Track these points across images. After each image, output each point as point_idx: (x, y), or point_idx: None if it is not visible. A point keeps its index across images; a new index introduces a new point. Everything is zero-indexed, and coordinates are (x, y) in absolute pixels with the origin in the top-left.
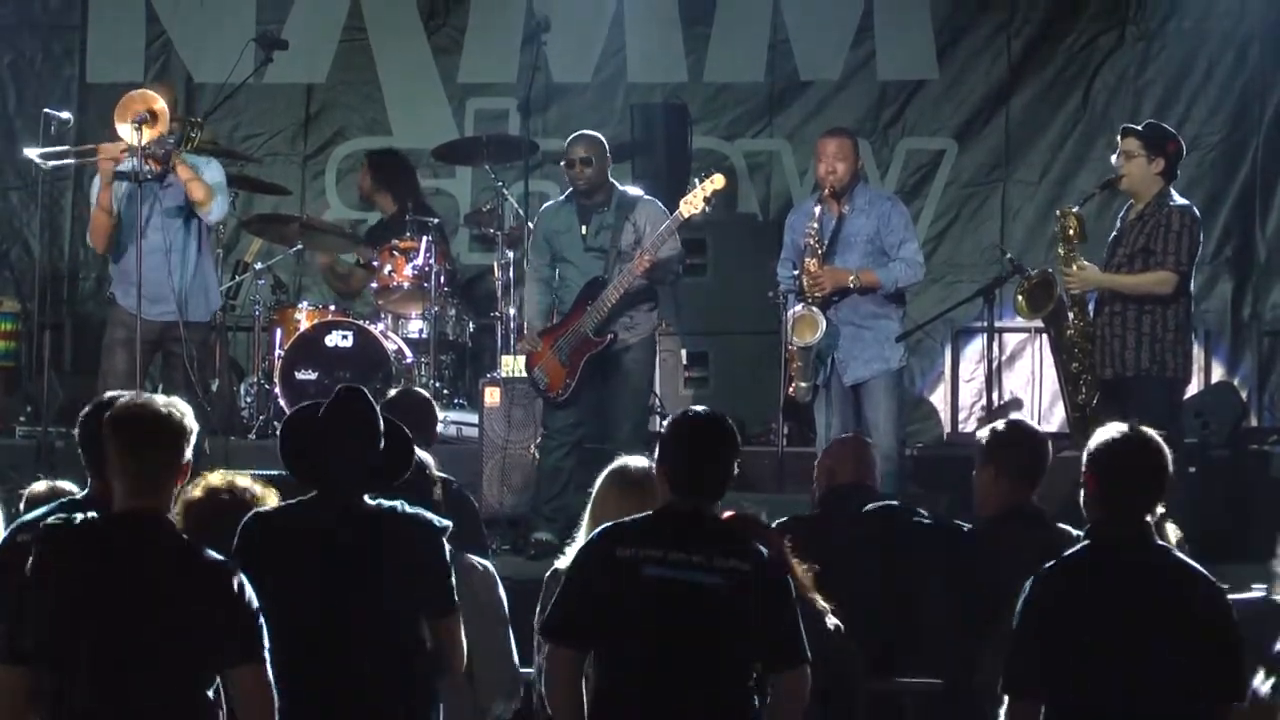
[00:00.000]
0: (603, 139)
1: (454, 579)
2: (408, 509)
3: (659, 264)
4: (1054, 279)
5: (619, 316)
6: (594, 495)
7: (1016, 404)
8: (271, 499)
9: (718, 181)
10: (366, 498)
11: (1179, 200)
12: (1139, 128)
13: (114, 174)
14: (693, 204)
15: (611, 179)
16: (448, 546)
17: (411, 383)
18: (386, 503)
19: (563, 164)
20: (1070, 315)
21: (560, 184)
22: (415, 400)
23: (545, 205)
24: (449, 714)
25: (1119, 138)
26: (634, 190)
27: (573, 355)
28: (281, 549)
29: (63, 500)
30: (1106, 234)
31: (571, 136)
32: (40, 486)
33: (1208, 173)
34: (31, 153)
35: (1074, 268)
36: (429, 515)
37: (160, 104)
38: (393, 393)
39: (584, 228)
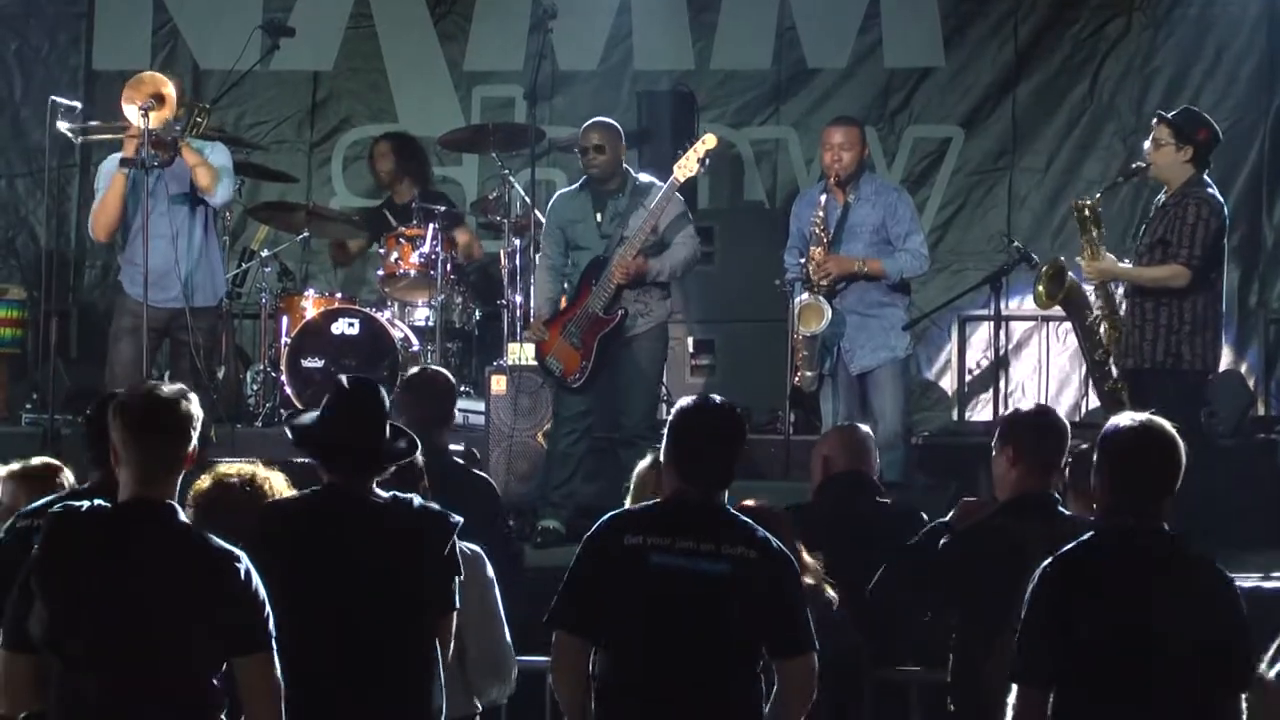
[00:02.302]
0: (617, 125)
1: (457, 577)
2: (420, 503)
3: (662, 244)
4: (1065, 266)
5: (628, 295)
6: (636, 483)
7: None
8: (284, 488)
9: (709, 141)
10: (379, 489)
11: (1205, 190)
12: (1170, 115)
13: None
14: (686, 167)
15: (626, 165)
16: (455, 541)
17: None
18: (401, 495)
19: (576, 150)
20: (1094, 301)
21: (567, 171)
22: (435, 379)
23: (559, 193)
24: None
25: (1153, 122)
26: (648, 177)
27: (585, 337)
28: (295, 539)
29: (70, 489)
30: (1122, 220)
31: (586, 124)
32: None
33: (1215, 159)
34: (63, 125)
35: (1092, 258)
36: (442, 511)
37: (169, 88)
38: (413, 370)
39: (599, 215)
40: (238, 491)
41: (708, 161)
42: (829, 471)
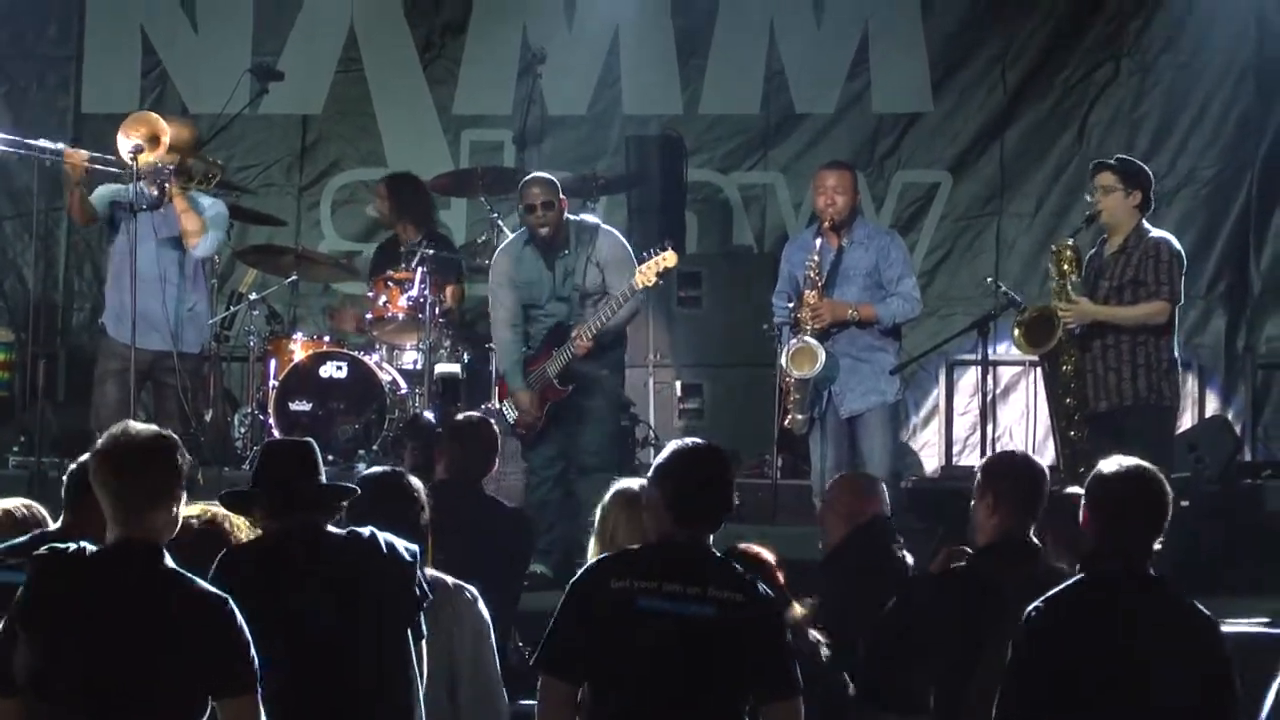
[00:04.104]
0: (554, 179)
1: (423, 606)
2: (375, 535)
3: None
4: (1056, 316)
5: (584, 363)
6: (599, 518)
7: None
8: (244, 527)
9: (669, 260)
10: (331, 528)
11: (1159, 232)
12: (1113, 161)
13: (87, 182)
14: (646, 277)
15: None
16: (418, 571)
17: (405, 413)
18: (358, 530)
19: (520, 209)
20: (1069, 351)
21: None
22: (480, 425)
23: (502, 250)
24: None
25: (1091, 174)
26: (589, 219)
27: (541, 395)
28: (255, 581)
29: (38, 533)
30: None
31: (524, 181)
32: None
33: (1202, 206)
34: None
35: (1067, 301)
36: (395, 540)
37: (167, 134)
38: (459, 418)
39: (552, 275)
40: (197, 532)
41: (664, 278)
42: (856, 522)
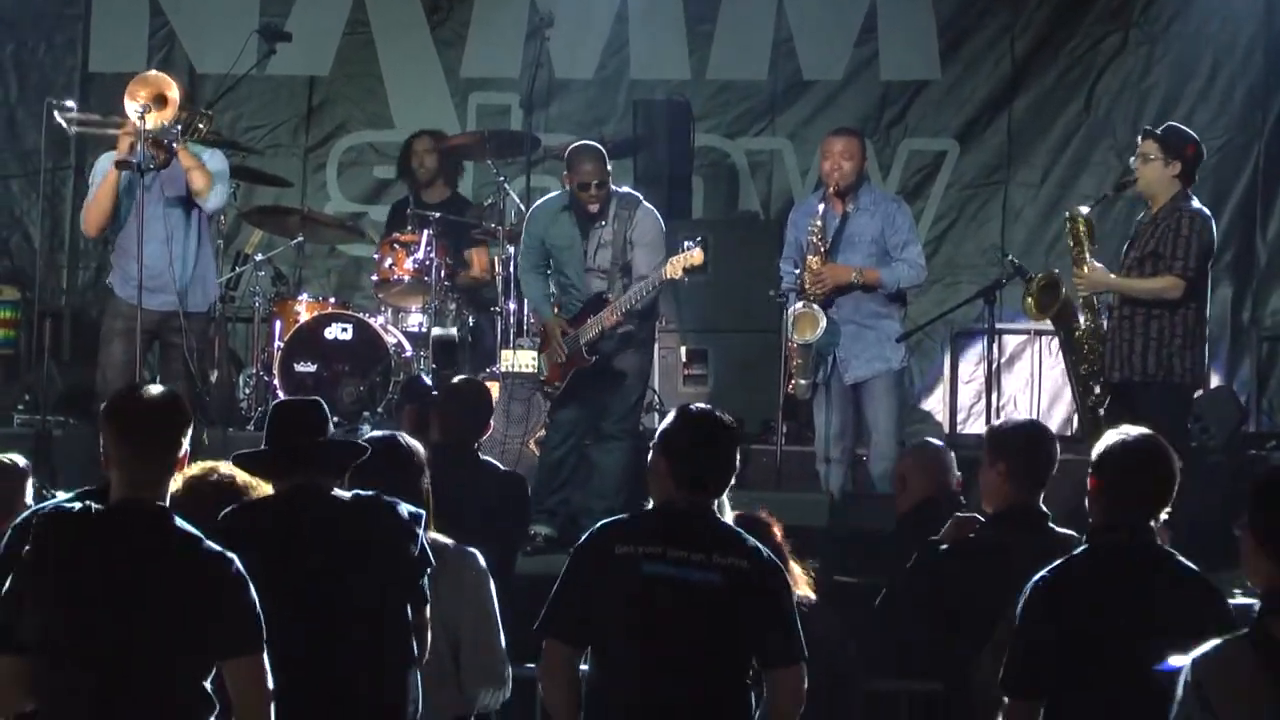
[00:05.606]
0: (603, 149)
1: (426, 570)
2: (379, 498)
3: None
4: (1060, 279)
5: (613, 335)
6: None
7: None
8: (255, 486)
9: (696, 258)
10: (338, 489)
11: (1194, 205)
12: (1158, 130)
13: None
14: (674, 269)
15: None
16: (421, 535)
17: (410, 376)
18: (360, 493)
19: (569, 178)
20: (1081, 317)
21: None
22: (475, 388)
23: (539, 207)
24: (435, 703)
25: (1139, 139)
26: (630, 192)
27: (568, 361)
28: (256, 543)
29: (84, 490)
30: (1116, 235)
31: (577, 153)
32: None
33: (1209, 177)
34: (59, 116)
35: (1083, 269)
36: (399, 504)
37: (173, 91)
38: (455, 380)
39: (585, 242)
40: (206, 492)
41: (691, 273)
42: (930, 493)
